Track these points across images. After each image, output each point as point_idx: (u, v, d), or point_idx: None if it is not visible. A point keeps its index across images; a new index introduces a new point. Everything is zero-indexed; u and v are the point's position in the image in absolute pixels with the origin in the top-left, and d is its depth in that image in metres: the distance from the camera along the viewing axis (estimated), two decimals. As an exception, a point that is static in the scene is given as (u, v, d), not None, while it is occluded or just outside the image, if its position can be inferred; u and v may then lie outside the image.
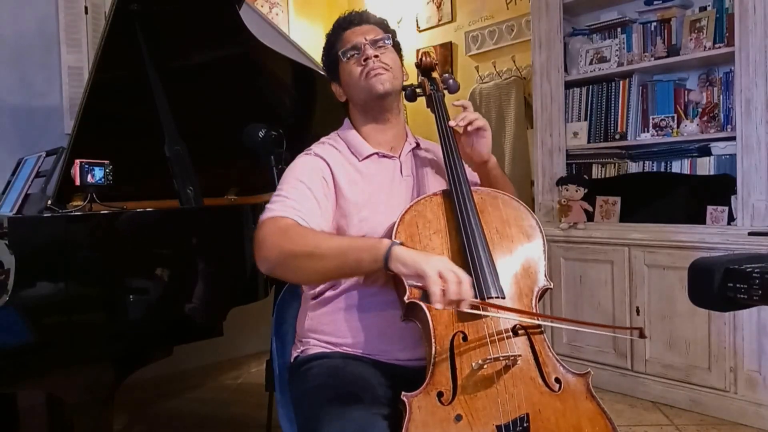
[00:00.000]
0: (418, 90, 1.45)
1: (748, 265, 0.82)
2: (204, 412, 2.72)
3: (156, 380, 2.80)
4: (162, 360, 1.73)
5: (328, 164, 1.33)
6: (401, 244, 1.10)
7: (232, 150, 2.02)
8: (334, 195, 1.31)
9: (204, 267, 1.79)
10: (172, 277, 1.72)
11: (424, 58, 1.46)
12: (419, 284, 1.05)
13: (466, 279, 1.04)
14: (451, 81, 1.45)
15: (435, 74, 1.46)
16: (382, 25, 1.41)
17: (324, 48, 1.44)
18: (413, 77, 1.52)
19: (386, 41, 1.37)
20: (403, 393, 1.07)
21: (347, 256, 1.12)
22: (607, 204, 2.86)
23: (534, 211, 3.01)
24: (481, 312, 1.12)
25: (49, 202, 1.73)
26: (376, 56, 1.33)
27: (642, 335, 1.17)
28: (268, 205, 1.25)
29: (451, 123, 1.35)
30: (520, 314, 1.18)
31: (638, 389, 2.67)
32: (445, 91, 1.45)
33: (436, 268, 1.03)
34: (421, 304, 1.12)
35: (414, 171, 1.40)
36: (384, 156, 1.37)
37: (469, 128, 1.34)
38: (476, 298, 1.14)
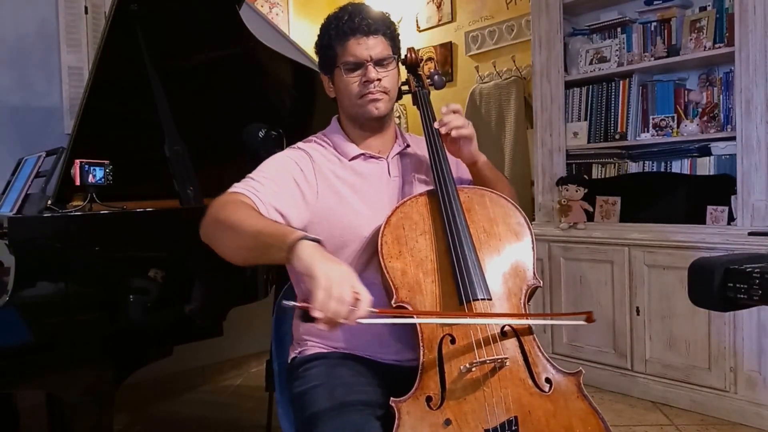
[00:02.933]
0: (403, 87, 1.43)
1: (748, 265, 0.82)
2: (204, 412, 2.72)
3: (156, 380, 2.79)
4: (162, 360, 1.73)
5: (311, 157, 1.31)
6: (317, 241, 1.01)
7: (232, 150, 2.02)
8: (316, 188, 1.28)
9: (204, 267, 1.79)
10: (172, 277, 1.72)
11: (409, 55, 1.45)
12: (310, 288, 0.95)
13: (346, 300, 0.93)
14: (436, 77, 1.44)
15: (420, 71, 1.44)
16: (389, 33, 1.31)
17: (321, 40, 1.33)
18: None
19: (391, 60, 1.31)
20: (391, 398, 1.07)
21: (259, 239, 1.07)
22: (607, 204, 2.86)
23: (534, 211, 3.03)
24: (377, 321, 1.04)
25: (49, 202, 1.73)
26: (378, 80, 1.28)
27: (590, 320, 1.13)
28: (235, 183, 1.25)
29: (436, 125, 1.32)
30: (422, 316, 1.12)
31: (638, 389, 2.67)
32: (431, 88, 1.44)
33: (328, 275, 0.93)
34: (408, 308, 1.11)
35: (402, 172, 1.38)
36: (371, 157, 1.35)
37: (453, 133, 1.30)
38: (461, 299, 1.13)
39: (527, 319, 1.18)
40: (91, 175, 1.72)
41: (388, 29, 1.32)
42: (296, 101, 2.64)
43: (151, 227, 1.75)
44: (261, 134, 1.91)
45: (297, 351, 1.34)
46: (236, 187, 1.23)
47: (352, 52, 1.28)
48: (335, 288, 0.93)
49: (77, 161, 1.71)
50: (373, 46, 1.28)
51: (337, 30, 1.29)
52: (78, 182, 1.71)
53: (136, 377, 1.68)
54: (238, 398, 2.90)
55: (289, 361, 1.37)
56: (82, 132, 1.85)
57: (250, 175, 1.27)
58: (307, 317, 0.94)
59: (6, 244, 1.52)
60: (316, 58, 1.39)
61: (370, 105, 1.29)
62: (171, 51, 2.07)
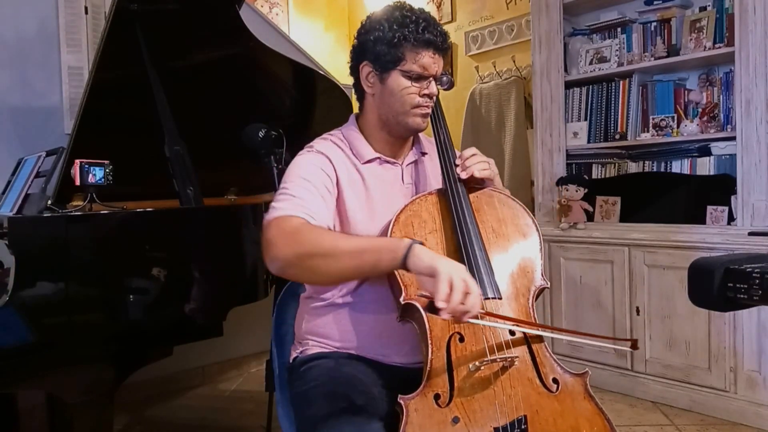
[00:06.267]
0: None
1: (748, 265, 0.82)
2: (204, 413, 2.72)
3: (156, 380, 2.80)
4: (162, 360, 1.73)
5: (331, 162, 1.29)
6: (422, 244, 1.07)
7: (232, 150, 2.02)
8: (336, 193, 1.28)
9: (204, 267, 1.79)
10: (172, 277, 1.72)
11: None
12: (427, 288, 1.02)
13: (475, 291, 1.01)
14: (444, 78, 1.44)
15: None
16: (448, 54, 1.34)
17: (386, 33, 1.24)
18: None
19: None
20: (399, 396, 1.07)
21: (365, 256, 1.08)
22: (607, 204, 2.86)
23: (534, 211, 3.03)
24: (480, 322, 1.10)
25: (49, 202, 1.73)
26: (435, 95, 1.29)
27: (634, 347, 1.19)
28: (273, 204, 1.20)
29: (458, 170, 1.29)
30: (519, 324, 1.16)
31: (638, 389, 2.67)
32: (440, 88, 1.45)
33: (449, 271, 1.00)
34: (416, 304, 1.12)
35: (415, 179, 1.38)
36: (386, 162, 1.35)
37: (477, 174, 1.28)
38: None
39: (575, 336, 1.26)
40: (91, 175, 1.72)
41: (450, 48, 1.32)
42: (296, 101, 2.64)
43: (151, 227, 1.75)
44: (261, 134, 1.91)
45: (298, 351, 1.34)
46: (284, 210, 1.17)
47: (423, 64, 1.25)
48: (457, 282, 0.99)
49: (77, 161, 1.71)
50: (440, 63, 1.28)
51: (415, 35, 1.23)
52: (78, 182, 1.71)
53: (136, 377, 1.68)
54: (238, 398, 2.90)
55: (290, 361, 1.37)
56: (82, 132, 1.85)
57: (286, 191, 1.22)
58: (432, 309, 1.01)
59: (6, 244, 1.52)
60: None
61: (420, 118, 1.29)
62: (171, 51, 2.07)
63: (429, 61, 1.25)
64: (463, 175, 1.27)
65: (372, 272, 1.13)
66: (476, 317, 1.04)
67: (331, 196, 1.26)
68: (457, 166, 1.29)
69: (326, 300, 1.30)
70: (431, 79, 1.27)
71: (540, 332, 1.19)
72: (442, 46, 1.26)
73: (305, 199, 1.19)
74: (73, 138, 1.84)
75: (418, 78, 1.26)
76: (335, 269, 1.10)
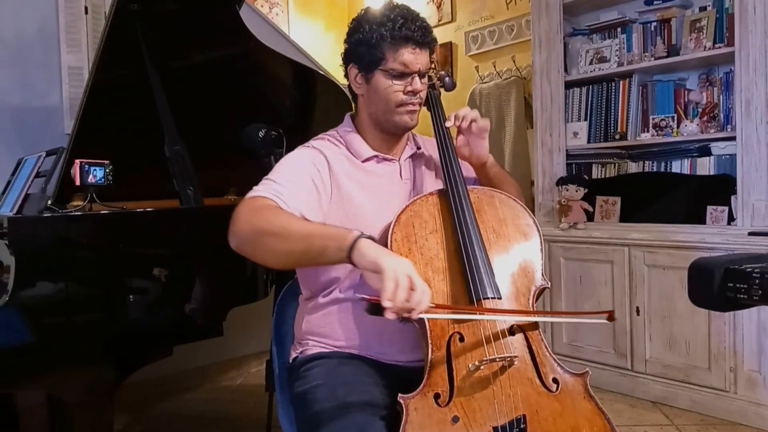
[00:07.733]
0: None
1: (748, 265, 0.82)
2: (204, 413, 2.72)
3: (156, 380, 2.80)
4: (162, 360, 1.73)
5: (326, 159, 1.30)
6: (371, 239, 1.05)
7: (232, 150, 2.02)
8: (330, 190, 1.28)
9: (204, 267, 1.79)
10: (172, 277, 1.72)
11: None
12: (372, 285, 1.00)
13: (420, 287, 0.99)
14: (447, 79, 1.44)
15: (431, 72, 1.45)
16: (434, 46, 1.31)
17: (365, 35, 1.26)
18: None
19: (430, 74, 1.33)
20: (399, 395, 1.07)
21: (313, 241, 1.08)
22: (607, 204, 2.86)
23: (534, 211, 3.03)
24: (428, 316, 1.07)
25: (49, 202, 1.73)
26: (420, 92, 1.30)
27: (611, 318, 1.17)
28: (254, 187, 1.23)
29: (448, 123, 1.33)
30: (480, 312, 1.14)
31: (638, 389, 2.67)
32: (441, 89, 1.45)
33: (394, 267, 0.98)
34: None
35: (413, 175, 1.38)
36: (384, 159, 1.36)
37: (473, 127, 1.32)
38: (471, 298, 1.14)
39: (551, 316, 1.19)
40: (91, 175, 1.72)
41: (434, 42, 1.31)
42: (296, 101, 2.64)
43: (151, 227, 1.75)
44: (261, 134, 1.92)
45: (298, 351, 1.34)
46: (258, 191, 1.19)
47: (404, 60, 1.25)
48: (401, 278, 0.97)
49: (77, 161, 1.71)
50: (422, 58, 1.27)
51: (392, 33, 1.24)
52: (78, 182, 1.71)
53: (136, 377, 1.68)
54: (238, 398, 2.89)
55: (290, 361, 1.37)
56: (82, 132, 1.85)
57: (268, 176, 1.24)
58: (375, 310, 0.98)
59: (6, 244, 1.52)
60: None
61: (407, 116, 1.30)
62: (171, 51, 2.07)
63: (410, 57, 1.25)
64: (464, 124, 1.32)
65: (319, 259, 1.11)
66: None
67: (318, 190, 1.26)
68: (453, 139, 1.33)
69: (326, 300, 1.30)
70: (415, 75, 1.27)
71: (509, 317, 1.16)
72: (422, 40, 1.25)
73: (282, 185, 1.21)
74: (73, 138, 1.84)
75: (400, 75, 1.26)
76: (285, 249, 1.10)
